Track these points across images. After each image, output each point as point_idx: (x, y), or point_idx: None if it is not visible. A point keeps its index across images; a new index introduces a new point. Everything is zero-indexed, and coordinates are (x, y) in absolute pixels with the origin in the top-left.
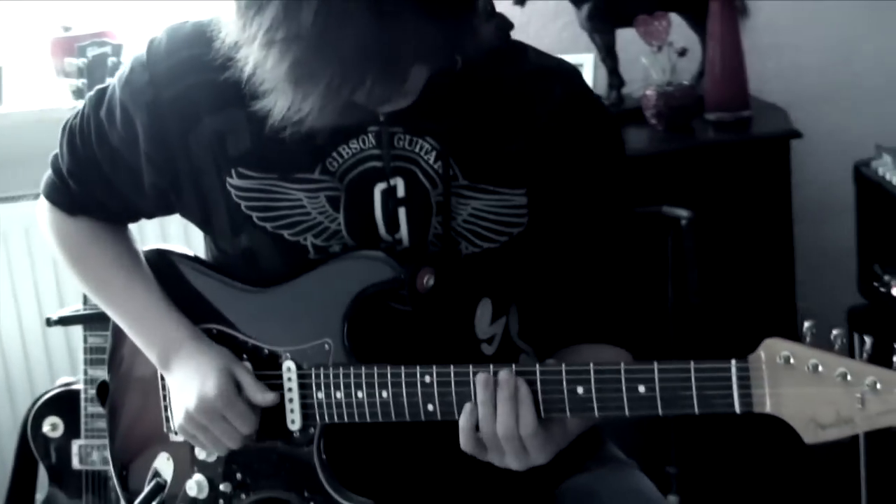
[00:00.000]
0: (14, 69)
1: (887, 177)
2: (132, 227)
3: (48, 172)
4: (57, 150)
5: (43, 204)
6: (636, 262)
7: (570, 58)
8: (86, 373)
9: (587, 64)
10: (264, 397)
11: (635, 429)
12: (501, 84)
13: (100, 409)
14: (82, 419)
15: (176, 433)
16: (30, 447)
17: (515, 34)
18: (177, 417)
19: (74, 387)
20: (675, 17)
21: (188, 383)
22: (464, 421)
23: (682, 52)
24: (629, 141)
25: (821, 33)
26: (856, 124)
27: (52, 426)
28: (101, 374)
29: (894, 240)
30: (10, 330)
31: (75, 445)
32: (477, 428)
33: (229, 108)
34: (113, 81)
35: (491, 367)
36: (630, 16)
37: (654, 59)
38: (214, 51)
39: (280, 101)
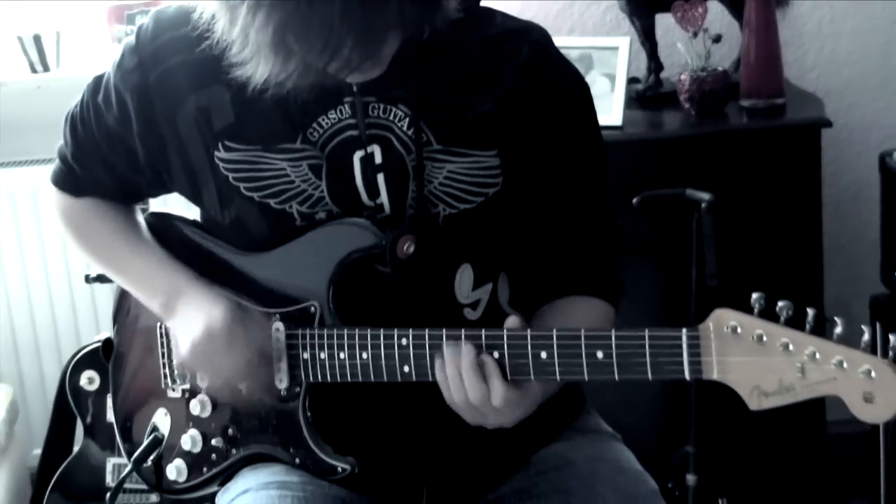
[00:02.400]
0: (73, 35)
1: None
2: None
3: (55, 160)
4: (62, 139)
5: (51, 190)
6: (611, 215)
7: (606, 41)
8: None
9: (622, 47)
10: None
11: (653, 408)
12: (469, 48)
13: None
14: None
15: (174, 382)
16: (67, 400)
17: (558, 16)
18: (181, 350)
19: None
20: (715, 5)
21: (194, 318)
22: (445, 395)
23: (717, 39)
24: (664, 123)
25: (860, 24)
26: (890, 115)
27: (89, 380)
28: None
29: None
30: (59, 286)
31: (109, 399)
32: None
33: (212, 85)
34: (109, 68)
35: (463, 332)
36: (668, 1)
37: (689, 45)
38: (196, 30)
39: (262, 66)
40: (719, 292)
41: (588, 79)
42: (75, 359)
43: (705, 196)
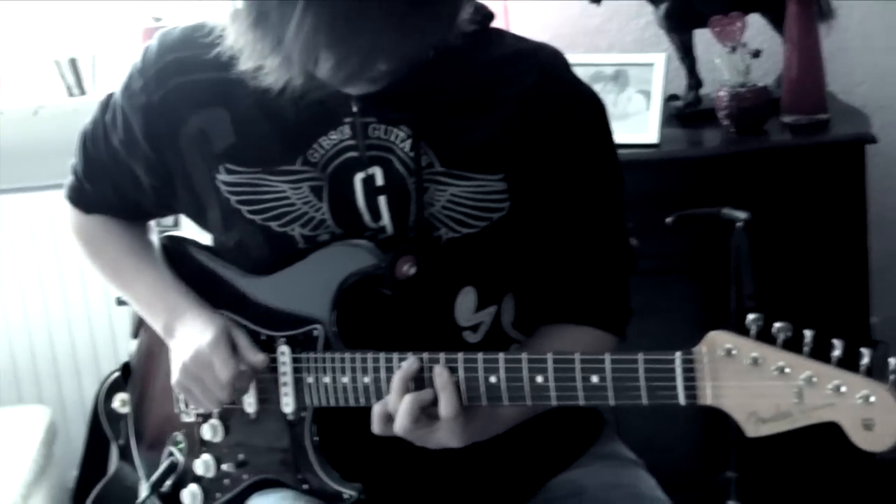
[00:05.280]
0: (109, 57)
1: None
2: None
3: (69, 176)
4: (75, 155)
5: (65, 204)
6: (624, 241)
7: (642, 57)
8: None
9: (658, 63)
10: (256, 357)
11: (692, 432)
12: (475, 69)
13: None
14: None
15: (186, 406)
16: (101, 422)
17: (597, 32)
18: (174, 372)
19: None
20: (757, 19)
21: (188, 340)
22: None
23: (756, 54)
24: (704, 141)
25: None
26: None
27: (122, 402)
28: None
29: None
30: (98, 307)
31: None
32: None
33: (212, 106)
34: (117, 88)
35: (461, 355)
36: (706, 16)
37: (728, 60)
38: (200, 50)
39: (281, 71)
40: (759, 313)
41: (624, 96)
42: (108, 381)
43: (741, 215)
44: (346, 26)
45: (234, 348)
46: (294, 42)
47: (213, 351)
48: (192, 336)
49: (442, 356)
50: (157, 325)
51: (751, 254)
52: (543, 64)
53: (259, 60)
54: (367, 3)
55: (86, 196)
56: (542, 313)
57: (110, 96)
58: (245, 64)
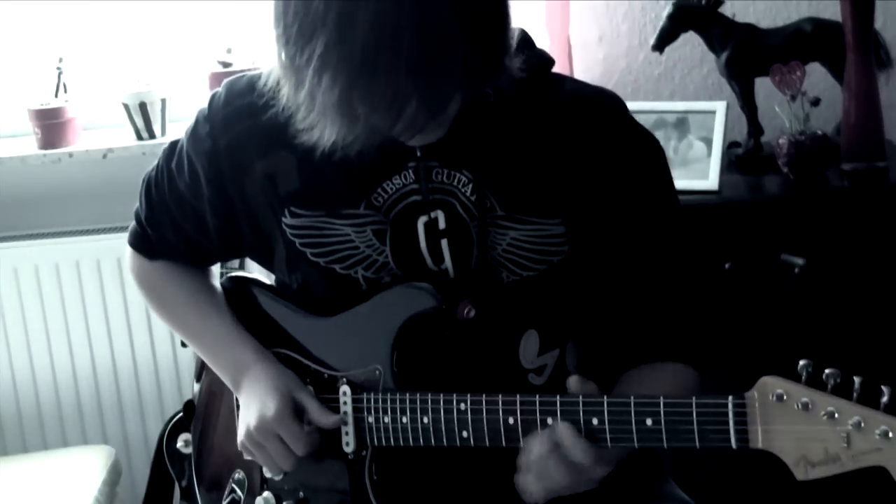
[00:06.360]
0: (177, 102)
1: None
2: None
3: (132, 222)
4: (138, 202)
5: (127, 250)
6: (688, 281)
7: (703, 105)
8: None
9: (719, 111)
10: (328, 420)
11: (753, 476)
12: (535, 114)
13: None
14: None
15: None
16: (165, 462)
17: (659, 80)
18: (239, 434)
19: None
20: (818, 67)
21: (252, 402)
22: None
23: (815, 102)
24: (764, 188)
25: None
26: None
27: (185, 442)
28: None
29: None
30: (163, 348)
31: None
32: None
33: (279, 150)
34: (183, 134)
35: (518, 397)
36: (767, 65)
37: (788, 108)
38: (265, 98)
39: (328, 129)
40: (814, 358)
41: (685, 143)
42: (172, 421)
43: (799, 261)
44: (364, 82)
45: (298, 412)
46: (323, 101)
47: (278, 424)
48: (255, 399)
49: (537, 398)
50: (224, 378)
51: (809, 299)
52: (603, 108)
53: (308, 120)
54: (377, 57)
55: (150, 242)
56: (613, 356)
57: (175, 143)
58: (301, 123)
